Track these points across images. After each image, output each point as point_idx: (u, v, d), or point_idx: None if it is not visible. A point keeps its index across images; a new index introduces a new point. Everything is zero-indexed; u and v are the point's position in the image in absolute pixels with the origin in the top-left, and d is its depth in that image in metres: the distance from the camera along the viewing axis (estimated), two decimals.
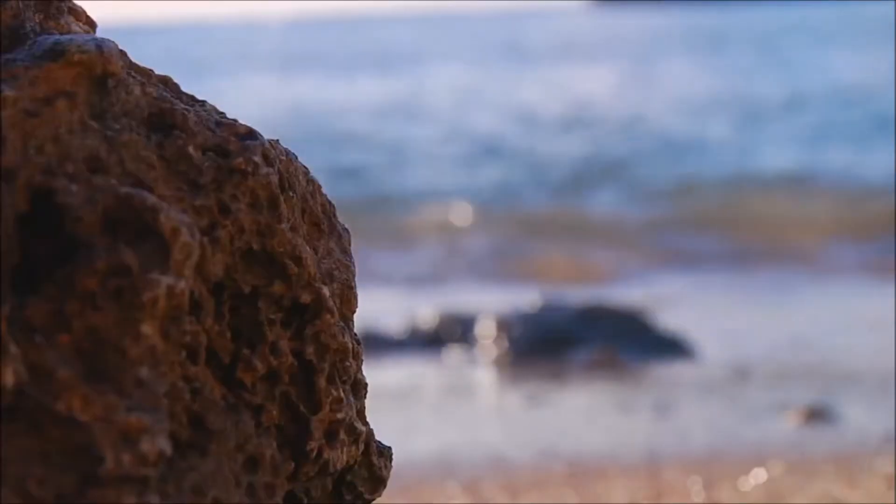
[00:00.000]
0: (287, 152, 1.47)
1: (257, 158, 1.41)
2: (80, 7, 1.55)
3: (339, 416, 1.47)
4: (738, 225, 10.12)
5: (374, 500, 1.57)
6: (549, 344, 5.80)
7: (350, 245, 1.56)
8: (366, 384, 1.54)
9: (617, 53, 35.87)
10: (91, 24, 1.56)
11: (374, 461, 1.55)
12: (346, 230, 1.56)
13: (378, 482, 1.56)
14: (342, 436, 1.48)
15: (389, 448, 1.58)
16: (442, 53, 38.33)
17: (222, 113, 1.47)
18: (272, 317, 1.42)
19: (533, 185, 12.64)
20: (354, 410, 1.49)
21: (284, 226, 1.42)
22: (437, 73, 29.17)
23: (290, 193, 1.45)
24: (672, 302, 8.04)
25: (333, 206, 1.54)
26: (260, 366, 1.41)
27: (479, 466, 3.69)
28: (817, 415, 4.23)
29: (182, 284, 1.31)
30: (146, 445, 1.26)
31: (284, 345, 1.43)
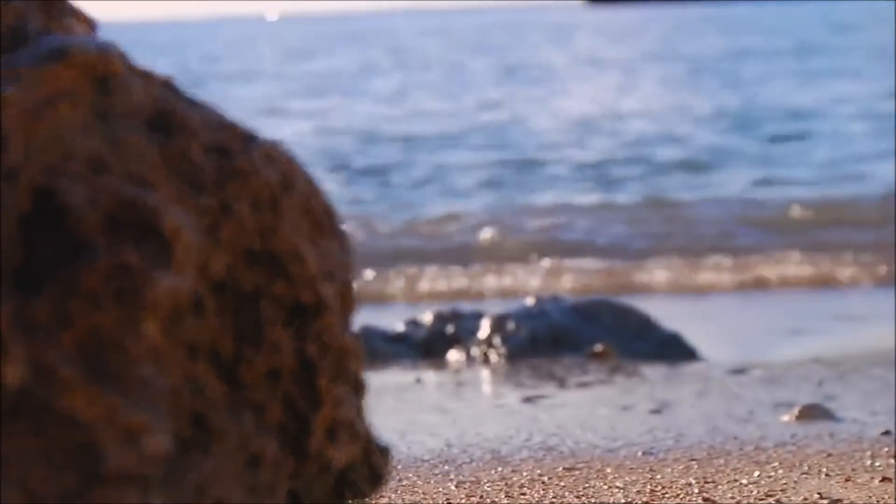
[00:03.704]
0: (288, 153, 1.48)
1: (259, 159, 1.42)
2: (82, 8, 1.55)
3: (340, 414, 1.47)
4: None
5: (374, 498, 1.58)
6: (548, 342, 5.81)
7: (350, 245, 1.56)
8: (366, 383, 1.55)
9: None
10: (92, 25, 1.57)
11: (374, 460, 1.55)
12: (347, 231, 1.57)
13: (378, 481, 1.56)
14: (343, 434, 1.48)
15: (389, 447, 1.59)
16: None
17: (223, 114, 1.48)
18: (273, 316, 1.43)
19: None
20: (355, 409, 1.50)
21: (286, 226, 1.43)
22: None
23: (291, 194, 1.45)
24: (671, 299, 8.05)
25: (334, 207, 1.55)
26: (261, 365, 1.42)
27: (479, 465, 3.69)
28: (815, 413, 4.24)
29: (184, 284, 1.32)
30: (148, 444, 1.27)
31: (286, 344, 1.44)
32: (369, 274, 8.50)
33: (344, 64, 37.81)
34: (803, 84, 23.51)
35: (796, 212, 10.41)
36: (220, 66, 38.41)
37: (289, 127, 19.14)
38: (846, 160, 13.88)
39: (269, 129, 1.56)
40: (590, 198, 11.93)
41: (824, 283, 8.34)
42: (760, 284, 8.42)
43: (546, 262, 8.98)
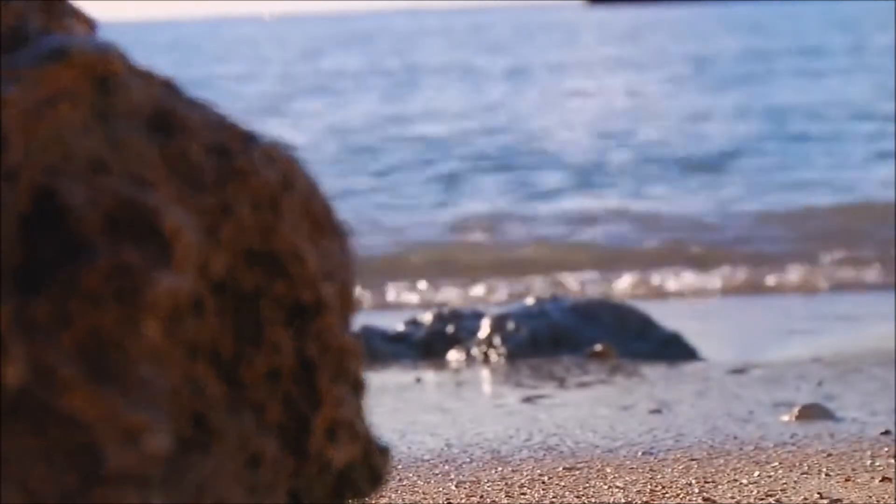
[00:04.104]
0: (288, 153, 1.48)
1: (259, 159, 1.42)
2: (82, 8, 1.56)
3: (340, 414, 1.47)
4: None
5: (374, 498, 1.58)
6: (548, 342, 5.80)
7: (349, 245, 1.56)
8: (366, 383, 1.55)
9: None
10: (92, 25, 1.57)
11: (373, 460, 1.56)
12: (346, 230, 1.57)
13: (378, 480, 1.57)
14: (343, 434, 1.49)
15: (389, 447, 1.59)
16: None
17: (223, 114, 1.48)
18: (273, 316, 1.43)
19: None
20: (355, 409, 1.50)
21: (286, 226, 1.43)
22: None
23: (291, 194, 1.45)
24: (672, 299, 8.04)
25: (333, 207, 1.55)
26: (261, 365, 1.42)
27: (479, 465, 3.69)
28: (815, 413, 4.24)
29: (184, 284, 1.32)
30: (148, 444, 1.27)
31: (286, 344, 1.44)
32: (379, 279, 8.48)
33: (347, 64, 37.79)
34: (808, 84, 23.49)
35: (806, 215, 10.43)
36: (221, 66, 38.40)
37: (291, 127, 19.10)
38: (851, 163, 13.89)
39: (269, 128, 1.56)
40: (600, 201, 11.90)
41: (825, 285, 8.35)
42: (764, 287, 8.43)
43: (553, 268, 8.98)
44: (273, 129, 1.54)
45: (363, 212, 11.21)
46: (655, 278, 8.66)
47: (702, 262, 8.92)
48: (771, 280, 8.48)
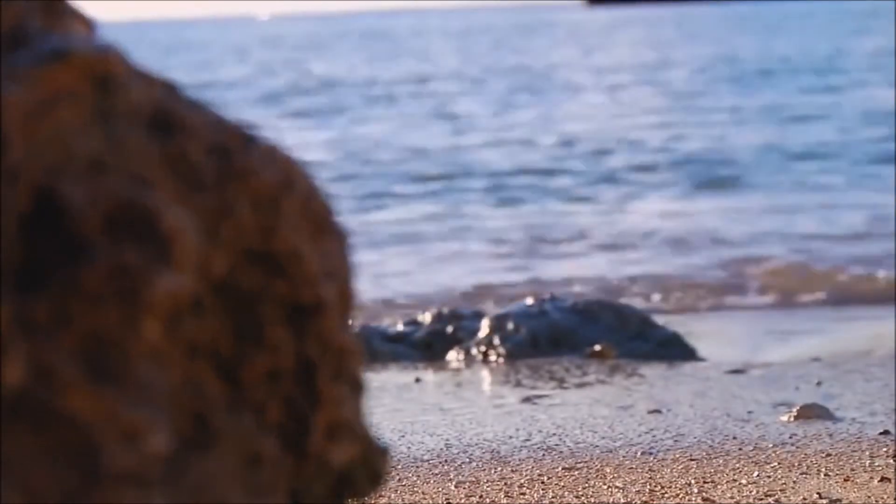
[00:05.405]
0: (287, 153, 1.48)
1: (259, 159, 1.42)
2: (81, 8, 1.56)
3: (340, 414, 1.48)
4: None
5: (373, 498, 1.58)
6: (548, 342, 5.80)
7: (348, 245, 1.57)
8: (366, 383, 1.55)
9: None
10: (91, 26, 1.57)
11: (373, 460, 1.56)
12: (345, 231, 1.57)
13: (377, 480, 1.57)
14: (342, 434, 1.49)
15: (388, 447, 1.60)
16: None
17: (223, 114, 1.48)
18: (274, 316, 1.43)
19: None
20: (355, 409, 1.50)
21: (286, 226, 1.43)
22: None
23: (291, 194, 1.46)
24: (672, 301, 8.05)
25: (333, 207, 1.55)
26: (261, 365, 1.42)
27: (478, 465, 3.70)
28: (814, 413, 4.25)
29: (184, 284, 1.32)
30: (148, 444, 1.27)
31: (286, 344, 1.44)
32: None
33: (350, 64, 37.76)
34: (812, 88, 23.48)
35: (815, 222, 10.46)
36: (220, 67, 38.41)
37: (293, 129, 19.08)
38: (858, 167, 13.91)
39: (268, 128, 1.56)
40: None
41: (828, 289, 8.35)
42: (765, 290, 8.43)
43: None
44: (271, 129, 1.55)
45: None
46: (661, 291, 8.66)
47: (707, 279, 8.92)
48: (773, 283, 8.49)
